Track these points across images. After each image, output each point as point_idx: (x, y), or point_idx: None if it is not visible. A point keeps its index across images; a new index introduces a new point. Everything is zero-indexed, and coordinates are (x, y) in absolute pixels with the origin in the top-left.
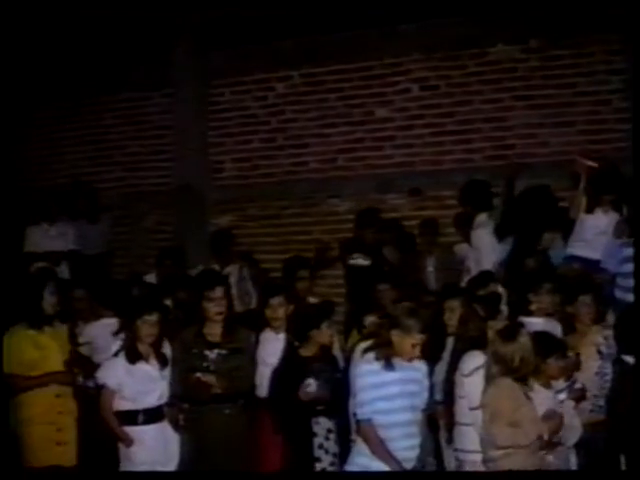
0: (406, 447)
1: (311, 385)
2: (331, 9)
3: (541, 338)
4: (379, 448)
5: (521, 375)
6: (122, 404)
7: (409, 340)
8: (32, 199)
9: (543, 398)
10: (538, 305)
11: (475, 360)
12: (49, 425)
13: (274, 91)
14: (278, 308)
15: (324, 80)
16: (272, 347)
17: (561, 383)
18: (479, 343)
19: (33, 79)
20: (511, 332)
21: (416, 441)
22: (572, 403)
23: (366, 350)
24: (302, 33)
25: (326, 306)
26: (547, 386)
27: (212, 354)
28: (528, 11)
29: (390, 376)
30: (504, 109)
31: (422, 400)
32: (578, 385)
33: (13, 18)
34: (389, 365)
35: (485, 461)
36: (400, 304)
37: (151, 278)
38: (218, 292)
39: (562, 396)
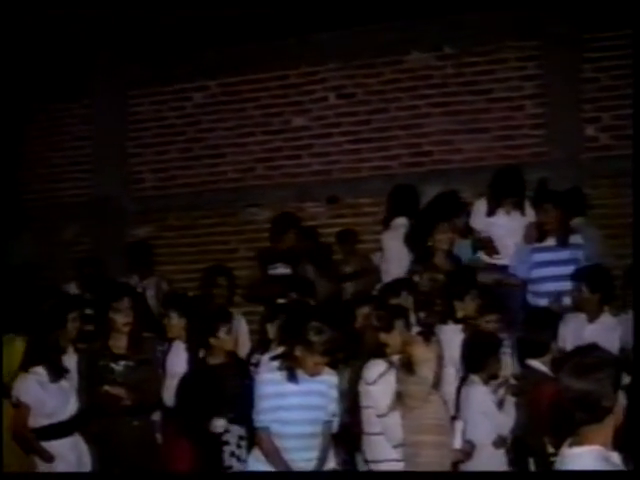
0: (303, 459)
1: (220, 427)
2: (247, 19)
3: (481, 337)
4: (273, 457)
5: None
6: (38, 420)
7: (313, 358)
8: None
9: (483, 393)
10: (464, 312)
11: (377, 367)
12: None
13: (191, 101)
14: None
15: (241, 90)
16: (176, 357)
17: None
18: (378, 352)
19: None
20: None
21: (314, 454)
22: (512, 398)
23: (271, 359)
24: (220, 43)
25: (222, 312)
26: (486, 382)
27: (118, 366)
28: (442, 18)
29: (291, 387)
30: (420, 116)
31: (326, 413)
32: (512, 381)
33: None
34: (291, 377)
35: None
36: (311, 323)
37: (71, 288)
38: (125, 303)
39: (502, 391)
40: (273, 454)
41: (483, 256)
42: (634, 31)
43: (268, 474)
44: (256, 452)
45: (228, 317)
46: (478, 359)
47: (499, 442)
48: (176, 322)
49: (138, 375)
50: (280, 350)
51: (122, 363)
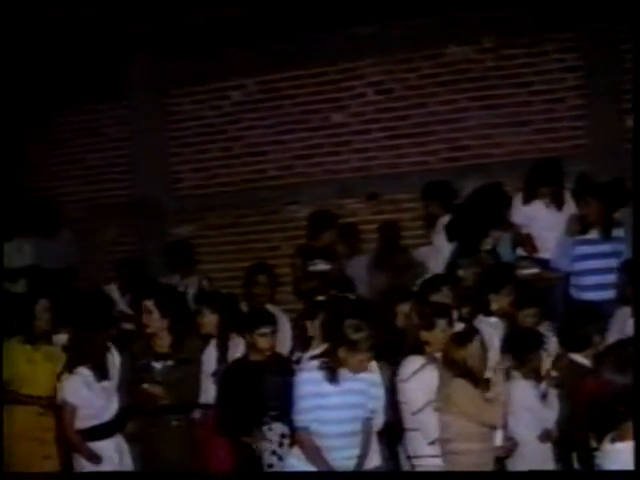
0: (344, 457)
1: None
2: (283, 15)
3: (523, 333)
4: (314, 457)
5: (474, 377)
6: (86, 421)
7: (357, 356)
8: None
9: (524, 388)
10: (498, 305)
11: (412, 364)
12: (32, 441)
13: (230, 99)
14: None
15: (279, 87)
16: (210, 355)
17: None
18: (416, 349)
19: None
20: (464, 337)
21: (355, 452)
22: (555, 391)
23: (311, 358)
24: (256, 41)
25: (264, 314)
26: (528, 378)
27: (159, 365)
28: (481, 11)
29: (330, 387)
30: (459, 110)
31: (365, 410)
32: (554, 373)
33: None
34: (332, 377)
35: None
36: (347, 321)
37: (112, 289)
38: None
39: (543, 386)
40: (313, 453)
41: (522, 252)
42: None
43: (305, 474)
44: (296, 451)
45: (270, 319)
46: (520, 355)
47: (544, 436)
48: (208, 319)
49: (177, 374)
50: (321, 349)
51: (162, 362)
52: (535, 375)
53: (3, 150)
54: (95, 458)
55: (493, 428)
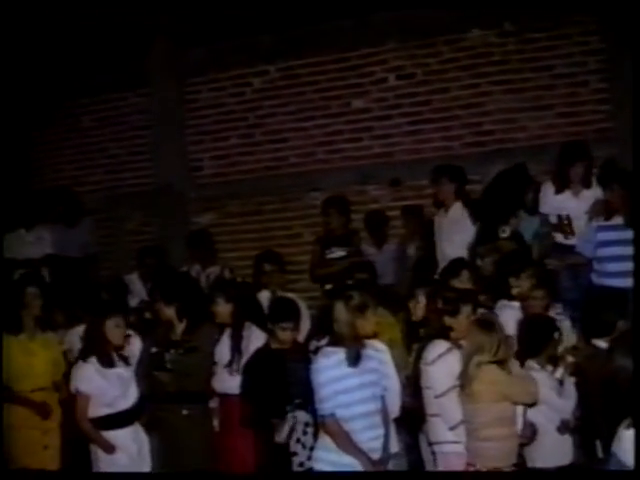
0: (370, 438)
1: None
2: (304, 1)
3: (536, 321)
4: (345, 442)
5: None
6: (99, 410)
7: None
8: (9, 205)
9: (542, 378)
10: (519, 290)
11: (437, 348)
12: (34, 430)
13: (251, 86)
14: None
15: (300, 73)
16: (224, 344)
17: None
18: (441, 334)
19: (9, 85)
20: (489, 323)
21: (380, 431)
22: (572, 378)
23: (327, 344)
24: (276, 27)
25: (285, 306)
26: (544, 366)
27: (169, 353)
28: None
29: (347, 369)
30: (481, 95)
31: (382, 389)
32: (570, 359)
33: None
34: (355, 359)
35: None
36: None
37: (134, 278)
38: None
39: (558, 374)
40: (344, 439)
41: (557, 235)
42: None
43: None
44: (325, 441)
45: (294, 313)
46: (534, 344)
47: (562, 427)
48: (222, 308)
49: (186, 362)
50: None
51: (173, 350)
52: (551, 362)
53: (25, 140)
54: (110, 448)
55: (531, 405)
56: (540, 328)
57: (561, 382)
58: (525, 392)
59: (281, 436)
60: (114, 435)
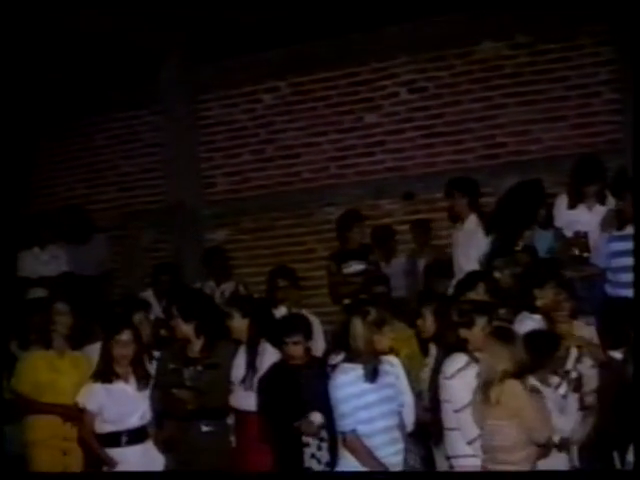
0: (391, 453)
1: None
2: (313, 16)
3: (537, 335)
4: (367, 457)
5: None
6: (104, 426)
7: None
8: (24, 224)
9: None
10: (543, 301)
11: (456, 362)
12: (55, 449)
13: (262, 102)
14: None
15: (311, 89)
16: (240, 360)
17: (555, 378)
18: (459, 347)
19: (20, 103)
20: (507, 333)
21: (400, 446)
22: (575, 395)
23: (343, 361)
24: (287, 42)
25: (292, 320)
26: (546, 383)
27: (188, 370)
28: (513, 6)
29: (365, 385)
30: (494, 107)
31: (398, 404)
32: (574, 375)
33: None
34: (373, 375)
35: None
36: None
37: (149, 295)
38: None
39: (562, 390)
40: (365, 455)
41: (574, 251)
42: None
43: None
44: (346, 456)
45: (301, 327)
46: (535, 359)
47: (561, 445)
48: (239, 323)
49: (205, 379)
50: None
51: (192, 367)
52: (554, 376)
53: (38, 159)
54: (111, 463)
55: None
56: (541, 343)
57: (564, 397)
58: (540, 419)
59: (311, 428)
60: (121, 452)
